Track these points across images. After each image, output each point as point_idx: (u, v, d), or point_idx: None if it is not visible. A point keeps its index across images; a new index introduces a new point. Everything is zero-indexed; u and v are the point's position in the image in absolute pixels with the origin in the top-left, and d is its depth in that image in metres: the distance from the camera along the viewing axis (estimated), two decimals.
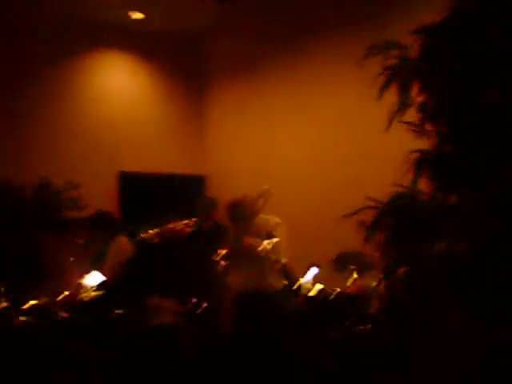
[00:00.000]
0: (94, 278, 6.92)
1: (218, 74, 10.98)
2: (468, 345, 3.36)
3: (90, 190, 8.82)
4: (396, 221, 3.50)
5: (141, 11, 10.07)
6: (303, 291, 7.14)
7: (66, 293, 6.69)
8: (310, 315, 7.02)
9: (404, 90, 3.57)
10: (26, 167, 9.20)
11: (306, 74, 9.39)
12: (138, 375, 6.15)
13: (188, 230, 7.60)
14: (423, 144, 3.54)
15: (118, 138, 10.43)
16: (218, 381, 6.49)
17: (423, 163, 3.48)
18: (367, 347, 6.42)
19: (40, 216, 7.87)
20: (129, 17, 10.19)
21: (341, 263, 7.42)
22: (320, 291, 7.16)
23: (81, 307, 6.58)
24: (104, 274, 6.98)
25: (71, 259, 7.15)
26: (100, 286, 6.88)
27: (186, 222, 7.61)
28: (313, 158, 9.23)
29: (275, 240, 6.43)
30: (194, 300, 6.97)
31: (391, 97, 3.64)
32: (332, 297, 7.07)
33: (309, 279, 7.29)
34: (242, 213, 6.70)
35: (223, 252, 6.97)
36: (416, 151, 3.55)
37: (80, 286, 6.86)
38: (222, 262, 6.61)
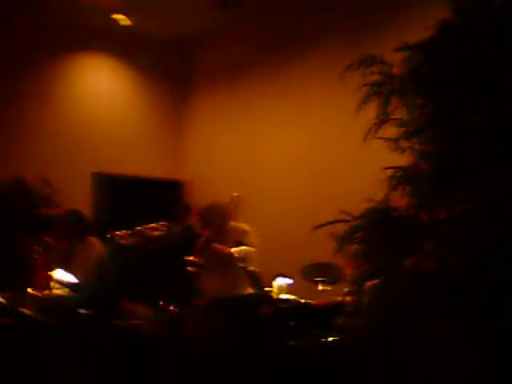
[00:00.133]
0: (62, 277, 6.89)
1: (202, 81, 11.01)
2: (439, 356, 3.41)
3: (64, 190, 8.83)
4: (366, 235, 3.53)
5: (127, 15, 10.07)
6: (270, 300, 7.17)
7: (32, 291, 6.66)
8: (275, 324, 7.04)
9: (383, 106, 3.61)
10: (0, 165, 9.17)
11: (290, 85, 9.43)
12: (103, 375, 6.13)
13: (156, 233, 7.61)
14: (403, 160, 3.59)
15: (96, 140, 10.43)
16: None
17: (396, 179, 3.52)
18: (332, 358, 6.47)
19: (12, 213, 7.84)
20: (115, 20, 10.19)
21: (309, 274, 7.46)
22: (287, 301, 7.19)
23: (47, 306, 6.55)
24: (73, 274, 6.95)
25: (40, 257, 7.11)
26: (68, 286, 6.85)
27: (155, 225, 7.61)
28: (292, 168, 9.28)
29: (244, 247, 6.45)
30: (161, 303, 6.97)
31: (374, 111, 3.69)
32: (299, 307, 7.10)
33: (278, 288, 7.32)
34: (214, 218, 6.71)
35: (192, 257, 6.97)
36: (390, 167, 3.59)
37: (48, 284, 6.83)
38: (191, 268, 6.60)
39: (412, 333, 3.43)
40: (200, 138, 10.92)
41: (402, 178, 3.49)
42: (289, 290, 7.34)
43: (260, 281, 6.95)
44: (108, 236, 7.37)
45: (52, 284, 6.82)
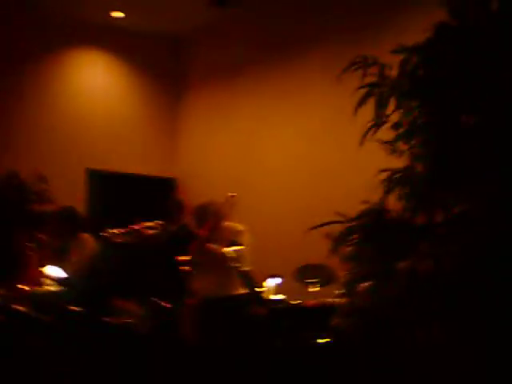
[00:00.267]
0: (54, 274, 6.88)
1: (197, 79, 10.98)
2: (435, 358, 3.41)
3: (58, 186, 8.78)
4: (361, 236, 3.53)
5: (122, 11, 10.05)
6: (263, 300, 7.16)
7: (25, 287, 6.65)
8: (268, 324, 7.04)
9: (379, 108, 3.60)
10: None
11: (288, 85, 9.41)
12: (93, 371, 6.12)
13: (152, 232, 7.59)
14: (401, 161, 3.58)
15: (90, 136, 10.39)
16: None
17: (392, 182, 3.51)
18: (324, 359, 6.46)
19: (5, 208, 7.81)
20: (110, 17, 10.16)
21: (303, 275, 7.45)
22: (280, 301, 7.19)
23: (39, 302, 6.53)
24: (65, 270, 6.94)
25: (33, 253, 7.09)
26: (60, 282, 6.83)
27: (151, 223, 7.60)
28: (288, 169, 9.26)
29: (239, 247, 6.44)
30: (155, 300, 6.97)
31: (372, 113, 3.67)
32: (290, 307, 7.10)
33: (269, 289, 7.31)
34: (208, 218, 6.70)
35: (187, 256, 6.96)
36: (386, 169, 3.58)
37: (41, 280, 6.81)
38: (185, 267, 6.59)
39: (407, 335, 3.43)
40: (195, 135, 10.90)
41: (398, 180, 3.48)
42: (280, 290, 7.33)
43: (253, 281, 6.94)
44: (102, 234, 7.35)
45: (44, 280, 6.81)
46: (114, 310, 6.78)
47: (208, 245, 6.54)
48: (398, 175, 3.50)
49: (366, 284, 4.75)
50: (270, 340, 6.98)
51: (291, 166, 9.20)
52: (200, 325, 6.74)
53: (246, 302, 6.65)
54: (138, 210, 8.61)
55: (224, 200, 6.67)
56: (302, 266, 7.52)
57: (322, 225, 3.59)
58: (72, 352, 6.16)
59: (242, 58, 10.12)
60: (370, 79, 3.65)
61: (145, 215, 7.71)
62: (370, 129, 3.65)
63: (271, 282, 7.34)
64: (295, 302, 7.13)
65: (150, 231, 7.62)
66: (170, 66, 11.24)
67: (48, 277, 6.83)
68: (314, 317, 6.94)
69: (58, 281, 6.82)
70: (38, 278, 6.82)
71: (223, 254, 6.44)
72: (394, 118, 3.61)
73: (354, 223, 3.49)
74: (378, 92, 3.62)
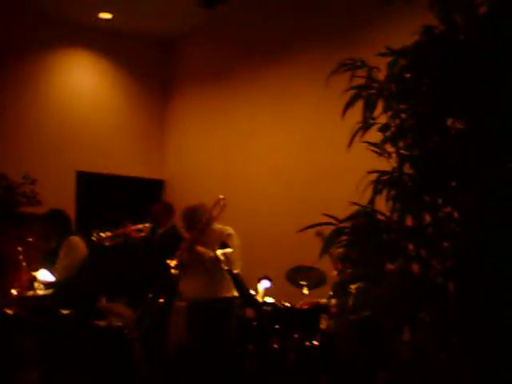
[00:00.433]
0: (44, 277, 6.86)
1: (185, 80, 10.98)
2: (423, 360, 3.43)
3: (47, 188, 8.78)
4: (350, 238, 3.53)
5: (110, 12, 10.03)
6: (253, 302, 7.16)
7: (14, 291, 6.63)
8: (258, 327, 7.04)
9: (367, 110, 3.61)
10: None
11: (276, 86, 9.42)
12: (84, 374, 6.11)
13: (140, 234, 7.58)
14: (389, 164, 3.59)
15: (79, 138, 10.38)
16: None
17: (380, 183, 3.52)
18: (315, 361, 6.48)
19: None
20: (97, 17, 10.15)
21: (293, 277, 7.45)
22: (270, 304, 7.19)
23: (29, 305, 6.52)
24: (54, 273, 6.92)
25: (22, 256, 7.07)
26: (50, 285, 6.82)
27: (140, 226, 7.59)
28: (277, 170, 9.26)
29: (229, 250, 6.43)
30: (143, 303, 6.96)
31: (360, 115, 3.68)
32: (282, 310, 7.10)
33: (259, 291, 7.32)
34: (197, 220, 6.69)
35: (175, 259, 6.94)
36: (375, 171, 3.59)
37: (30, 283, 6.79)
38: (173, 270, 6.57)
39: (396, 336, 3.44)
40: (183, 137, 10.90)
41: (386, 181, 3.49)
42: (270, 292, 7.34)
43: (243, 283, 6.92)
44: (91, 237, 7.33)
45: (36, 285, 6.79)
46: (104, 312, 6.77)
47: (198, 248, 6.53)
48: (385, 177, 3.51)
49: (356, 286, 4.80)
50: (260, 342, 6.98)
51: (281, 168, 9.20)
52: (188, 327, 6.74)
53: (235, 305, 6.64)
54: (127, 212, 8.60)
55: (213, 202, 6.66)
56: (292, 268, 7.52)
57: (311, 226, 3.59)
58: (62, 355, 6.14)
59: (230, 59, 10.13)
60: (358, 81, 3.66)
61: (133, 217, 7.69)
62: (357, 131, 3.66)
63: (261, 285, 7.34)
64: (285, 305, 7.13)
65: (139, 234, 7.60)
66: (158, 68, 11.24)
67: (37, 280, 6.82)
68: (304, 319, 6.95)
69: (47, 284, 6.80)
70: (28, 281, 6.80)
71: (212, 257, 6.43)
72: (383, 120, 3.63)
73: (343, 225, 3.50)
74: (365, 94, 3.63)
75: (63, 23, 10.17)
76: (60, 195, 9.51)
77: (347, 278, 3.69)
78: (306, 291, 7.27)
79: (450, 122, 3.46)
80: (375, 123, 3.63)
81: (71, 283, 6.78)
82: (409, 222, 3.43)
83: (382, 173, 3.52)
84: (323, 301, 6.95)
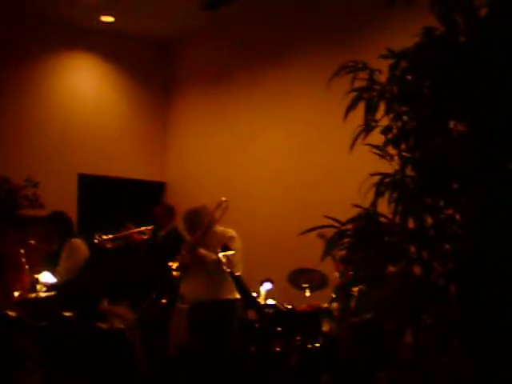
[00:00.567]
0: (46, 279, 6.86)
1: (186, 82, 10.99)
2: (424, 361, 3.43)
3: (49, 191, 8.78)
4: (352, 240, 3.53)
5: (112, 15, 10.04)
6: (255, 305, 7.16)
7: (16, 293, 6.63)
8: (260, 329, 7.04)
9: (369, 113, 3.61)
10: None
11: (277, 88, 9.42)
12: (85, 376, 6.11)
13: (143, 237, 7.58)
14: (391, 166, 3.59)
15: (81, 141, 10.39)
16: None
17: (382, 186, 3.52)
18: (316, 363, 6.47)
19: None
20: (99, 20, 10.16)
21: (294, 280, 7.45)
22: (272, 306, 7.19)
23: (31, 307, 6.52)
24: (56, 276, 6.92)
25: (24, 258, 7.07)
26: (52, 287, 6.82)
27: (142, 229, 7.59)
28: (278, 172, 9.25)
29: (230, 252, 6.43)
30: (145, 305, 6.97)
31: (362, 117, 3.68)
32: (284, 312, 7.10)
33: (261, 294, 7.31)
34: (199, 223, 6.69)
35: (177, 261, 6.94)
36: (377, 174, 3.59)
37: (32, 285, 6.79)
38: (175, 272, 6.57)
39: (397, 338, 3.44)
40: (185, 140, 10.90)
41: (388, 184, 3.49)
42: (272, 294, 7.34)
43: (244, 286, 6.92)
44: (93, 239, 7.34)
45: (38, 287, 6.79)
46: (105, 314, 6.77)
47: (200, 250, 6.53)
48: (387, 179, 3.51)
49: (358, 288, 4.79)
50: (261, 345, 6.98)
51: (282, 170, 9.20)
52: (190, 329, 6.73)
53: (236, 307, 6.64)
54: (129, 214, 8.60)
55: (215, 205, 6.66)
56: (294, 270, 7.52)
57: (313, 229, 3.59)
58: (64, 357, 6.14)
59: (231, 61, 10.13)
60: (360, 83, 3.66)
61: (135, 220, 7.70)
62: (359, 133, 3.66)
63: (263, 287, 7.34)
64: (287, 307, 7.13)
65: (140, 236, 7.61)
66: (160, 70, 11.24)
67: (39, 282, 6.82)
68: (305, 321, 6.94)
69: (49, 286, 6.80)
70: (30, 283, 6.80)
71: (214, 259, 6.43)
72: (384, 122, 3.63)
73: (345, 227, 3.50)
74: (367, 97, 3.63)
75: (65, 26, 10.18)
76: (62, 198, 9.51)
77: (349, 280, 3.69)
78: (307, 293, 7.27)
79: (451, 124, 3.46)
80: (377, 125, 3.63)
81: (73, 285, 6.78)
82: (411, 224, 3.43)
83: (384, 175, 3.52)
84: (325, 305, 6.95)
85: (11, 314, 6.24)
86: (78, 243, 7.24)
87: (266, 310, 7.10)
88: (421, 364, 3.50)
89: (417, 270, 3.40)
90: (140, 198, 10.65)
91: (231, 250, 6.45)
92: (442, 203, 3.43)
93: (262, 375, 6.82)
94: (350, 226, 3.48)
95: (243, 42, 9.98)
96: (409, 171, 3.50)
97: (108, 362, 6.29)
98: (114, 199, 10.56)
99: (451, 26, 3.42)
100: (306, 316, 7.00)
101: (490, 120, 3.30)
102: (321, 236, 4.68)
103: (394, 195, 3.47)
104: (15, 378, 5.98)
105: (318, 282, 7.33)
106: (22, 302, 6.54)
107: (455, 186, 3.44)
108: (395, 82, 3.57)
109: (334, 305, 6.68)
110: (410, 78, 3.54)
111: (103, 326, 6.50)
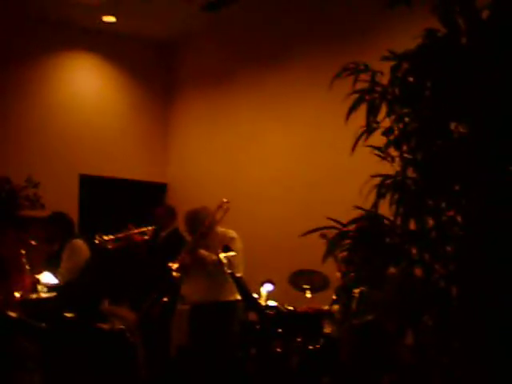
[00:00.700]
0: (47, 280, 6.86)
1: (188, 83, 10.99)
2: (423, 363, 3.44)
3: (50, 191, 8.78)
4: (353, 242, 3.53)
5: (113, 15, 10.05)
6: (256, 306, 7.16)
7: (17, 294, 6.63)
8: (261, 331, 7.04)
9: (371, 114, 3.61)
10: None
11: (278, 89, 9.42)
12: (86, 377, 6.11)
13: (144, 238, 7.58)
14: (393, 167, 3.59)
15: (83, 141, 10.40)
16: None
17: (384, 187, 3.52)
18: (317, 364, 6.47)
19: None
20: (101, 20, 10.16)
21: (295, 281, 7.45)
22: (273, 308, 7.19)
23: (32, 308, 6.52)
24: (57, 276, 6.93)
25: (25, 259, 7.08)
26: (53, 288, 6.82)
27: (143, 229, 7.59)
28: (280, 173, 9.25)
29: (231, 253, 6.43)
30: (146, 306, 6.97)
31: (364, 119, 3.68)
32: (285, 314, 7.10)
33: (262, 295, 7.32)
34: (199, 224, 6.69)
35: (178, 262, 6.94)
36: (379, 175, 3.59)
37: (33, 286, 6.80)
38: (175, 273, 6.57)
39: (399, 339, 3.44)
40: (186, 140, 10.91)
41: (390, 185, 3.49)
42: (273, 296, 7.34)
43: (245, 287, 6.93)
44: (94, 240, 7.34)
45: (39, 287, 6.79)
46: (106, 315, 6.77)
47: (201, 251, 6.53)
48: (389, 181, 3.51)
49: (359, 290, 4.78)
50: (262, 346, 6.98)
51: (283, 171, 9.21)
52: (191, 330, 6.73)
53: (237, 308, 6.64)
54: (130, 215, 8.61)
55: (217, 206, 6.66)
56: (295, 271, 7.52)
57: (314, 230, 3.59)
58: (65, 358, 6.14)
59: (232, 63, 10.14)
60: (361, 85, 3.66)
61: (136, 220, 7.70)
62: (361, 135, 3.66)
63: (264, 288, 7.34)
64: (288, 308, 7.13)
65: (142, 237, 7.61)
66: (161, 71, 11.25)
67: (40, 283, 6.82)
68: (306, 323, 6.94)
69: (50, 287, 6.80)
70: (31, 284, 6.81)
71: (214, 260, 6.43)
72: (387, 124, 3.63)
73: (347, 228, 3.50)
74: (369, 98, 3.63)
75: (66, 26, 10.19)
76: (63, 198, 9.52)
77: (350, 282, 3.69)
78: (308, 295, 7.27)
79: (453, 125, 3.47)
80: (378, 127, 3.63)
81: (74, 286, 6.79)
82: (412, 225, 3.43)
83: (386, 177, 3.52)
84: (326, 308, 6.94)
85: (12, 314, 6.25)
86: (79, 244, 7.25)
87: (267, 311, 7.09)
88: (422, 365, 3.50)
89: (418, 271, 3.40)
90: (141, 198, 10.66)
91: (232, 251, 6.45)
92: (443, 205, 3.43)
93: (263, 376, 6.82)
94: (351, 228, 3.48)
95: (244, 43, 9.99)
96: (410, 173, 3.50)
97: (109, 363, 6.29)
98: (115, 200, 10.56)
99: (453, 28, 3.42)
100: (306, 317, 6.99)
101: (491, 122, 3.30)
102: (323, 236, 4.68)
103: (396, 197, 3.47)
104: (15, 378, 5.98)
105: (319, 283, 7.32)
106: (23, 303, 6.54)
107: (457, 187, 3.44)
108: (397, 84, 3.57)
109: (335, 307, 6.67)
110: (411, 79, 3.54)
111: (104, 326, 6.50)
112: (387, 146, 3.61)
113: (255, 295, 7.08)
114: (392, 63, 3.58)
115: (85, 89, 10.64)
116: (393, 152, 3.61)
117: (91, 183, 10.42)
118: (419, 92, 3.53)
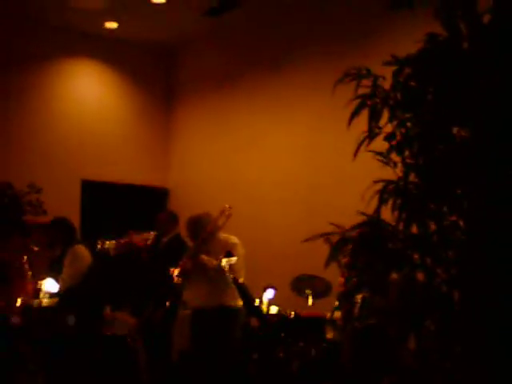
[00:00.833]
0: (49, 286, 6.86)
1: (189, 88, 10.99)
2: (425, 368, 3.43)
3: (52, 197, 8.78)
4: (355, 247, 3.53)
5: (115, 21, 10.06)
6: (258, 311, 7.16)
7: (19, 300, 6.63)
8: (263, 336, 7.04)
9: (373, 119, 3.61)
10: None
11: (280, 94, 9.43)
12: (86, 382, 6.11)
13: (146, 243, 7.58)
14: (395, 172, 3.59)
15: (84, 146, 10.40)
16: None
17: (386, 193, 3.52)
18: (319, 369, 6.47)
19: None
20: (103, 26, 10.18)
21: (297, 286, 7.45)
22: (275, 313, 7.18)
23: (34, 314, 6.52)
24: (59, 282, 6.92)
25: (27, 265, 7.08)
26: (55, 294, 6.82)
27: (145, 235, 7.59)
28: (282, 178, 9.26)
29: (233, 259, 6.43)
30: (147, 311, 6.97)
31: (366, 124, 3.68)
32: (287, 319, 7.10)
33: (264, 300, 7.31)
34: (201, 229, 6.69)
35: (179, 268, 6.94)
36: (381, 180, 3.59)
37: (35, 292, 6.79)
38: (176, 279, 6.57)
39: (401, 344, 3.44)
40: (187, 145, 10.91)
41: (391, 190, 3.49)
42: (275, 301, 7.33)
43: (247, 292, 6.93)
44: (96, 245, 7.34)
45: (41, 293, 6.79)
46: (108, 321, 6.77)
47: (203, 257, 6.52)
48: (391, 186, 3.51)
49: (361, 295, 4.77)
50: (264, 351, 6.98)
51: (284, 176, 9.21)
52: (192, 336, 6.73)
53: (240, 314, 6.64)
54: (132, 220, 8.60)
55: (219, 212, 6.66)
56: (297, 277, 7.51)
57: (317, 236, 3.59)
58: (66, 363, 6.14)
59: (233, 67, 10.15)
60: (363, 90, 3.66)
61: (138, 226, 7.70)
62: (363, 140, 3.66)
63: (266, 294, 7.33)
64: (290, 313, 7.12)
65: (143, 242, 7.60)
66: (163, 76, 11.26)
67: (42, 289, 6.82)
68: (308, 328, 6.94)
69: (52, 293, 6.80)
70: (33, 290, 6.81)
71: (215, 266, 6.42)
72: (389, 129, 3.63)
73: (349, 234, 3.50)
74: (371, 103, 3.63)
75: (68, 32, 10.20)
76: (65, 204, 9.52)
77: (352, 287, 3.68)
78: (310, 301, 7.26)
79: (455, 130, 3.47)
80: (381, 132, 3.63)
81: (76, 292, 6.78)
82: (414, 230, 3.43)
83: (388, 182, 3.52)
84: (328, 314, 6.93)
85: (14, 320, 6.25)
86: (81, 249, 7.24)
87: (269, 316, 7.09)
88: (424, 370, 3.50)
89: (420, 276, 3.40)
90: (143, 203, 10.66)
91: (234, 256, 6.45)
92: (445, 209, 3.43)
93: (265, 381, 6.82)
94: (353, 233, 3.48)
95: (245, 48, 10.00)
96: (412, 178, 3.50)
97: (111, 368, 6.30)
98: (116, 205, 10.57)
99: (454, 33, 3.43)
100: (308, 322, 6.99)
101: (492, 126, 3.30)
102: (327, 240, 4.66)
103: (398, 202, 3.47)
104: (16, 381, 5.98)
105: (321, 288, 7.32)
106: (25, 309, 6.54)
107: (459, 192, 3.44)
108: (399, 89, 3.57)
109: (337, 313, 6.66)
110: (413, 84, 3.54)
111: (106, 332, 6.50)
112: (389, 151, 3.61)
113: (257, 301, 7.08)
114: (394, 68, 3.58)
115: (86, 94, 10.65)
116: (395, 157, 3.62)
117: (93, 188, 10.43)
118: (421, 97, 3.54)
